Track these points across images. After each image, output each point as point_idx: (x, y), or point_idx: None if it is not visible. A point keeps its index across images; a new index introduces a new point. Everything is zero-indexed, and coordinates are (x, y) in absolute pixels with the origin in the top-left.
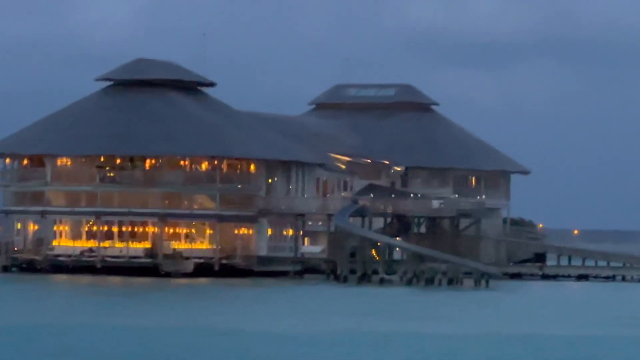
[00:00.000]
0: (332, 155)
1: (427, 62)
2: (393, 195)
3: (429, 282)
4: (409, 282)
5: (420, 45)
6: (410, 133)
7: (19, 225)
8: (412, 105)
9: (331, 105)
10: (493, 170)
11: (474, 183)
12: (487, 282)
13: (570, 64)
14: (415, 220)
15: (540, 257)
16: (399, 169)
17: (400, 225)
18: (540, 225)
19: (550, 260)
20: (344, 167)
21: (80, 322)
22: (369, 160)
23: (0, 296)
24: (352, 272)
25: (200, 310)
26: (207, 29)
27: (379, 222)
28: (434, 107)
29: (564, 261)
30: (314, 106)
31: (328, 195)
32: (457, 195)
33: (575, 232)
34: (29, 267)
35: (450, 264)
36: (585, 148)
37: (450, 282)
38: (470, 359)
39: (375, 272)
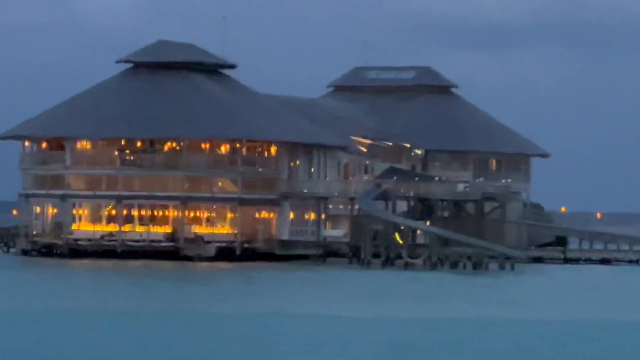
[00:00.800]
0: (353, 138)
1: (431, 46)
2: (417, 179)
3: (454, 265)
4: (434, 266)
5: (424, 29)
6: (430, 116)
7: (37, 209)
8: (432, 88)
9: (350, 88)
10: (513, 153)
11: (494, 166)
12: (512, 266)
13: (575, 47)
14: (439, 203)
15: (561, 241)
16: (419, 152)
17: (424, 208)
18: (563, 209)
19: (572, 244)
20: (365, 150)
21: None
22: (390, 143)
23: (40, 280)
24: (375, 255)
25: (263, 295)
26: (225, 11)
27: (402, 206)
28: (453, 89)
29: (585, 245)
30: (332, 89)
31: (350, 179)
32: (482, 179)
33: (598, 215)
34: (48, 251)
35: (475, 248)
36: (601, 130)
37: (475, 266)
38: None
39: (399, 256)
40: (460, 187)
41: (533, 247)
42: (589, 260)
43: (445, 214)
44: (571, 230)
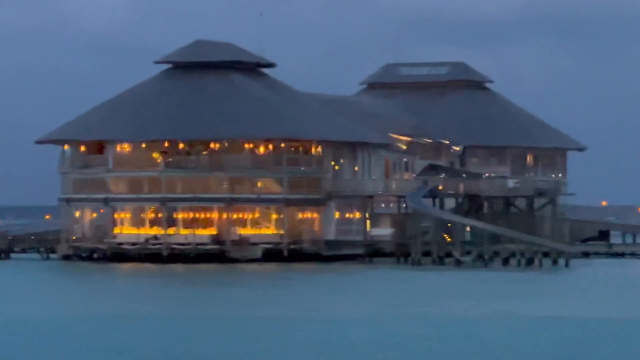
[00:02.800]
0: (393, 135)
1: (421, 41)
2: (464, 175)
3: (505, 262)
4: (487, 264)
5: (414, 24)
6: (466, 111)
7: (77, 214)
8: (466, 83)
9: (383, 84)
10: (550, 148)
11: (531, 161)
12: (566, 261)
13: (563, 40)
14: (488, 200)
15: (604, 235)
16: (457, 148)
17: (471, 205)
18: (604, 203)
19: (614, 238)
20: (405, 147)
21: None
22: (430, 140)
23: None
24: (424, 254)
25: (359, 297)
26: (262, 8)
27: (449, 203)
28: (487, 84)
29: (628, 239)
30: (365, 86)
31: (397, 177)
32: (532, 174)
33: None
34: (90, 256)
35: (528, 244)
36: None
37: (528, 262)
38: None
39: (448, 254)
40: (511, 183)
41: (577, 242)
42: (634, 255)
43: (493, 210)
44: (614, 225)
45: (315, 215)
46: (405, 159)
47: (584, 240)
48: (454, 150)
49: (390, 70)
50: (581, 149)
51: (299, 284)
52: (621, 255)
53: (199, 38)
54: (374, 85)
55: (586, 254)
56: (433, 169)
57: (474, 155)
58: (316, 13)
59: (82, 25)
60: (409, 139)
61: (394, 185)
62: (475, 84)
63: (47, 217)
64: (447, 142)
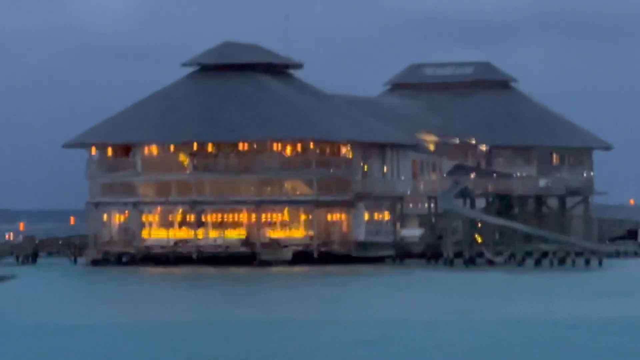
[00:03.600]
0: (420, 136)
1: (429, 42)
2: (494, 175)
3: (537, 263)
4: (520, 263)
5: (422, 25)
6: (492, 111)
7: (105, 217)
8: (491, 83)
9: (408, 85)
10: (576, 147)
11: (557, 161)
12: (600, 261)
13: (571, 39)
14: (519, 200)
15: (633, 234)
16: (483, 148)
17: (502, 205)
18: (632, 201)
19: None
20: (432, 147)
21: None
22: (457, 141)
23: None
24: (455, 255)
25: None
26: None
27: (479, 203)
28: (512, 84)
29: None
30: (389, 87)
31: (425, 177)
32: (559, 174)
33: None
34: (118, 260)
35: (560, 244)
36: None
37: (560, 262)
38: None
39: (479, 254)
40: (543, 182)
41: (606, 242)
42: None
43: (524, 210)
44: None
45: (344, 216)
46: (432, 160)
47: (613, 240)
48: (481, 150)
49: (414, 71)
50: (607, 148)
51: (363, 286)
52: None
53: (225, 40)
54: (398, 86)
55: (617, 254)
56: (461, 169)
57: (499, 155)
58: (332, 14)
59: (101, 27)
60: (436, 139)
61: (422, 186)
62: (500, 84)
63: (72, 221)
64: (474, 142)
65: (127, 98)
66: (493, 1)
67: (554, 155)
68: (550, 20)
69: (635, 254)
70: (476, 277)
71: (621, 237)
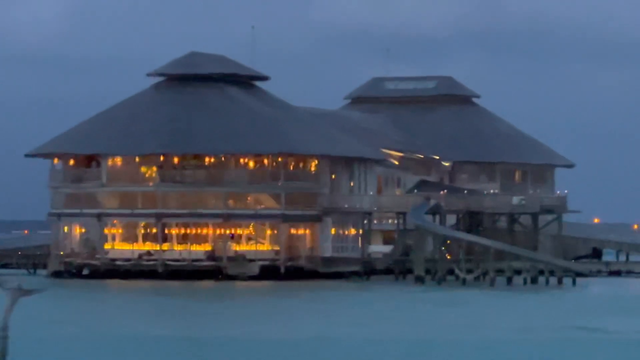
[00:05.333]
0: (385, 150)
1: (355, 55)
2: (465, 192)
3: (509, 280)
4: (492, 282)
5: (349, 39)
6: (454, 126)
7: (65, 229)
8: (454, 98)
9: (370, 99)
10: (539, 164)
11: (519, 177)
12: (573, 280)
13: (496, 55)
14: (491, 217)
15: (597, 253)
16: (447, 164)
17: (472, 222)
18: (596, 220)
19: (607, 256)
20: (397, 162)
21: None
22: (422, 156)
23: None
24: (426, 272)
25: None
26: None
27: (449, 220)
28: (475, 99)
29: (621, 257)
30: (349, 100)
31: (388, 192)
32: (538, 191)
33: (635, 226)
34: (80, 272)
35: (534, 262)
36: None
37: (533, 280)
38: None
39: (450, 271)
40: (516, 200)
41: (572, 260)
42: (630, 272)
43: (495, 227)
44: (609, 242)
45: (308, 231)
46: (397, 175)
47: (578, 258)
48: (444, 165)
49: (376, 85)
50: (569, 166)
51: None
52: (617, 273)
53: (191, 50)
54: (359, 100)
55: (588, 273)
56: (425, 184)
57: (463, 171)
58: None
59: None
60: (400, 154)
61: (388, 201)
62: (463, 99)
63: (25, 232)
64: (437, 157)
65: (90, 109)
66: (419, 17)
67: (517, 172)
68: (476, 36)
69: (599, 272)
70: (450, 296)
71: (586, 256)
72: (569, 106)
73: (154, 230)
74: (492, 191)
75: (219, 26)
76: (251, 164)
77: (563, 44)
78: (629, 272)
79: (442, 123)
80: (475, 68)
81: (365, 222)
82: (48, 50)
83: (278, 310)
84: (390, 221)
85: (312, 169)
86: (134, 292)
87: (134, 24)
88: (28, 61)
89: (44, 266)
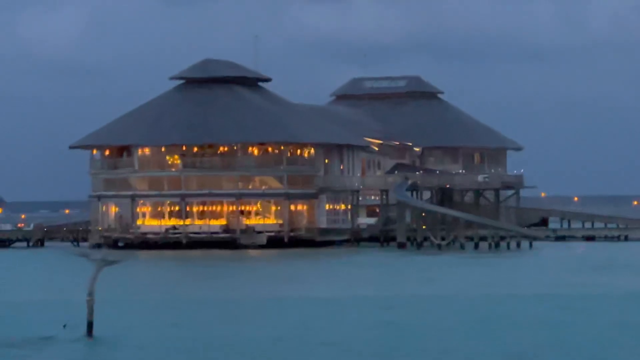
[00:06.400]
0: (367, 139)
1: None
2: (437, 172)
3: (476, 246)
4: (462, 247)
5: (316, 47)
6: (423, 118)
7: (103, 208)
8: (422, 94)
9: (351, 96)
10: (495, 148)
11: (478, 160)
12: (530, 244)
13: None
14: (460, 193)
15: (544, 222)
16: (417, 149)
17: (444, 197)
18: (543, 194)
19: (552, 224)
20: (377, 149)
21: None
22: (397, 143)
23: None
24: (407, 239)
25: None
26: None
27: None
28: (440, 95)
29: (564, 224)
30: (334, 97)
31: (370, 173)
32: (500, 170)
33: (575, 198)
34: (116, 244)
35: (497, 229)
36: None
37: (496, 245)
38: None
39: (426, 239)
40: (481, 178)
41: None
42: (573, 237)
43: (463, 201)
44: (554, 212)
45: (309, 206)
46: (377, 159)
47: (528, 226)
48: (415, 150)
49: (355, 84)
50: (519, 149)
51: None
52: (562, 238)
53: (205, 57)
54: (342, 97)
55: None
56: (401, 166)
57: (431, 155)
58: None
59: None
60: (379, 141)
61: (372, 181)
62: (430, 95)
63: (67, 211)
64: (410, 144)
65: (119, 107)
66: (373, 24)
67: (476, 155)
68: (422, 42)
69: (547, 237)
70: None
71: (535, 224)
72: (511, 98)
73: (177, 208)
74: (461, 171)
75: (223, 35)
76: (258, 151)
77: (494, 48)
78: (572, 237)
79: (413, 115)
80: (425, 70)
81: (354, 198)
82: (77, 57)
83: (290, 274)
84: (372, 197)
85: (309, 155)
86: (168, 260)
87: (151, 34)
88: (62, 67)
89: (84, 240)
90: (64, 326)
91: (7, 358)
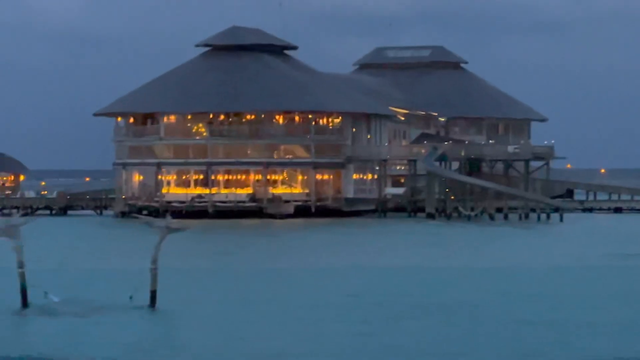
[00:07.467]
0: (392, 108)
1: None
2: (466, 142)
3: (506, 217)
4: (492, 218)
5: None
6: (447, 88)
7: (128, 176)
8: (446, 64)
9: (374, 65)
10: (519, 119)
11: (502, 130)
12: (561, 216)
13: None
14: (489, 163)
15: (570, 193)
16: (442, 119)
17: (472, 167)
18: (569, 165)
19: (578, 195)
20: (403, 118)
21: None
22: (423, 112)
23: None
24: (436, 210)
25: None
26: None
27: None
28: (463, 65)
29: (590, 196)
30: (357, 66)
31: (397, 143)
32: (529, 140)
33: (602, 170)
34: (140, 213)
35: (527, 200)
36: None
37: (526, 216)
38: None
39: (455, 209)
40: (511, 148)
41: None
42: (601, 209)
43: (493, 172)
44: (580, 184)
45: (335, 176)
46: (403, 129)
47: (554, 198)
48: (440, 120)
49: (378, 53)
50: (543, 120)
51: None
52: (590, 210)
53: (233, 24)
54: (366, 66)
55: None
56: (425, 136)
57: (455, 125)
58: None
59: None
60: (405, 111)
61: (400, 151)
62: (453, 65)
63: (87, 179)
64: (435, 114)
65: (144, 76)
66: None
67: (500, 126)
68: (430, 14)
69: (575, 209)
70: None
71: (561, 196)
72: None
73: (202, 177)
74: (490, 141)
75: (247, 2)
76: (284, 120)
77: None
78: (599, 209)
79: (437, 85)
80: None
81: (381, 168)
82: (100, 26)
83: (318, 243)
84: (398, 167)
85: (336, 124)
86: (197, 229)
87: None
88: (82, 35)
89: (106, 208)
90: (130, 297)
91: (70, 326)
